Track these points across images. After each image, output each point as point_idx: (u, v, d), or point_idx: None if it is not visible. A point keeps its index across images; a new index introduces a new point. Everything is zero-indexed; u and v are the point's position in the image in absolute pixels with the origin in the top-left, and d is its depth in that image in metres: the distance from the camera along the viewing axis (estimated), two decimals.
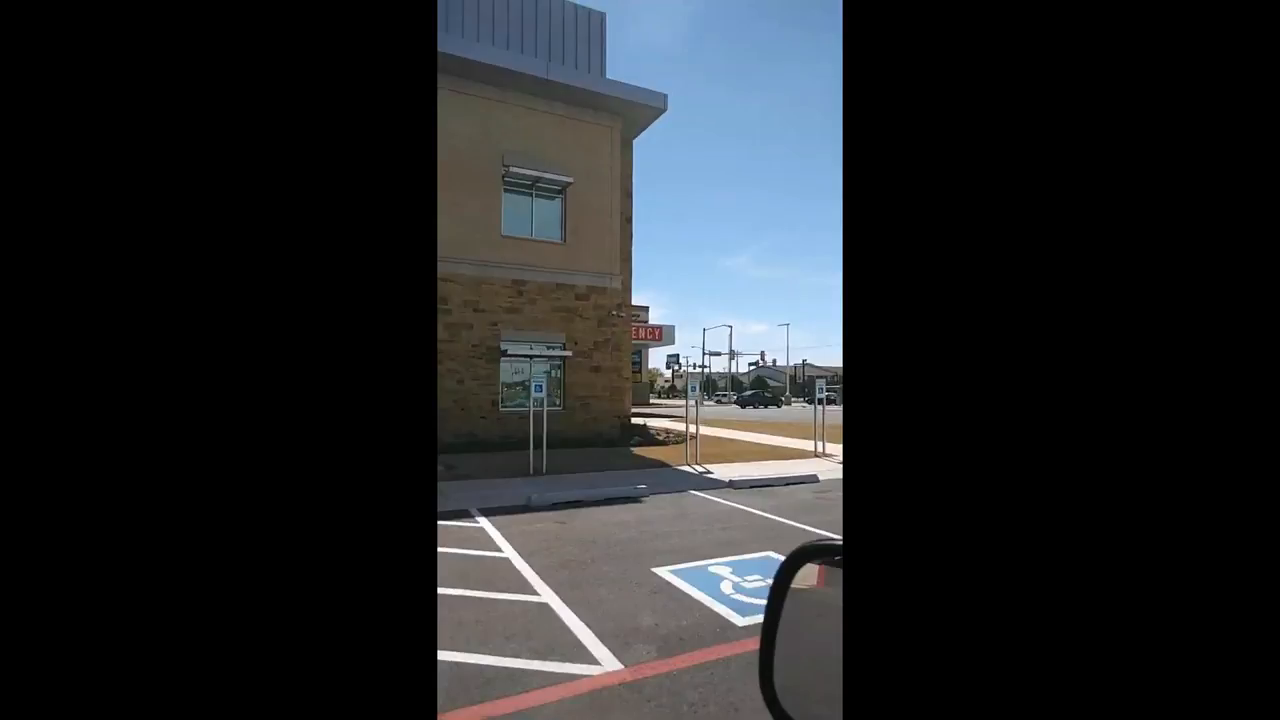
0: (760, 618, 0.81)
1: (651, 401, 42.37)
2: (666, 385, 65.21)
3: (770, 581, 0.80)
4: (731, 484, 8.87)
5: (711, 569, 4.96)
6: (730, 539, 5.94)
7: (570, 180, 13.45)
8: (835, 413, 11.38)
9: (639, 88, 14.17)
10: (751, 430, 19.08)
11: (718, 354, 61.11)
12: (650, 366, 56.44)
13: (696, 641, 3.57)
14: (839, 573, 0.66)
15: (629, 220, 15.02)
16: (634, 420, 16.74)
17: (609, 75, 14.56)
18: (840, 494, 6.37)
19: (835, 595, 0.64)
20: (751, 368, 73.17)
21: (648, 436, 14.76)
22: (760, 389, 53.43)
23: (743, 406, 43.10)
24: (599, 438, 13.69)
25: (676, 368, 60.25)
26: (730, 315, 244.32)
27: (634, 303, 17.16)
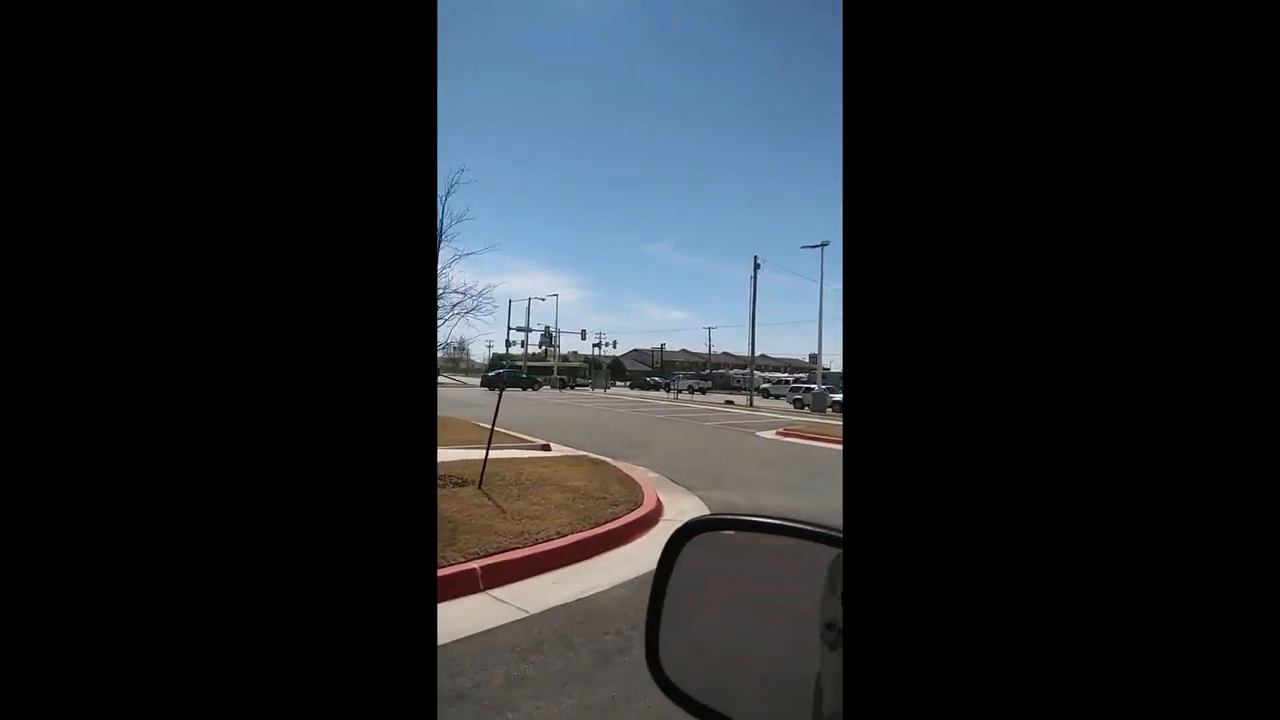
0: None
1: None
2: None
3: None
4: None
5: None
6: None
7: None
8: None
9: None
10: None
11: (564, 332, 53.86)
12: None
13: None
14: (726, 545, 0.76)
15: None
16: None
17: None
18: None
19: (718, 568, 0.73)
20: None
21: None
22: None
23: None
24: None
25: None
26: (650, 301, 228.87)
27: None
